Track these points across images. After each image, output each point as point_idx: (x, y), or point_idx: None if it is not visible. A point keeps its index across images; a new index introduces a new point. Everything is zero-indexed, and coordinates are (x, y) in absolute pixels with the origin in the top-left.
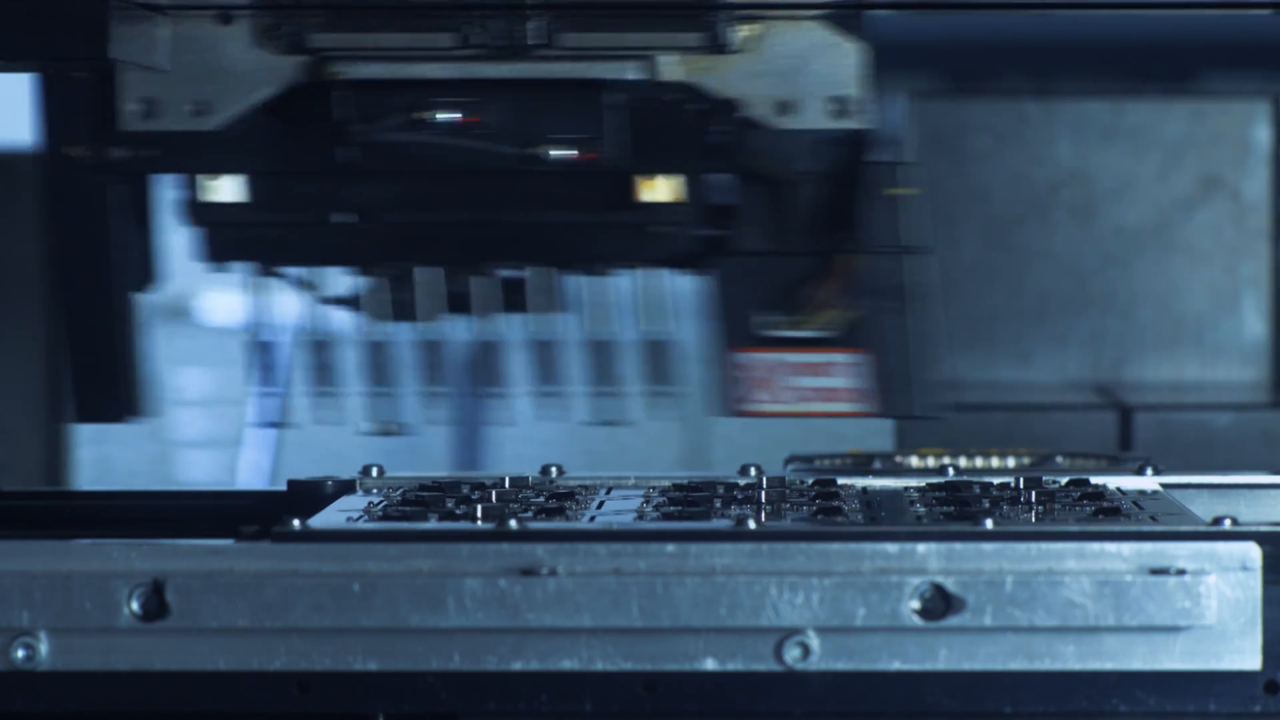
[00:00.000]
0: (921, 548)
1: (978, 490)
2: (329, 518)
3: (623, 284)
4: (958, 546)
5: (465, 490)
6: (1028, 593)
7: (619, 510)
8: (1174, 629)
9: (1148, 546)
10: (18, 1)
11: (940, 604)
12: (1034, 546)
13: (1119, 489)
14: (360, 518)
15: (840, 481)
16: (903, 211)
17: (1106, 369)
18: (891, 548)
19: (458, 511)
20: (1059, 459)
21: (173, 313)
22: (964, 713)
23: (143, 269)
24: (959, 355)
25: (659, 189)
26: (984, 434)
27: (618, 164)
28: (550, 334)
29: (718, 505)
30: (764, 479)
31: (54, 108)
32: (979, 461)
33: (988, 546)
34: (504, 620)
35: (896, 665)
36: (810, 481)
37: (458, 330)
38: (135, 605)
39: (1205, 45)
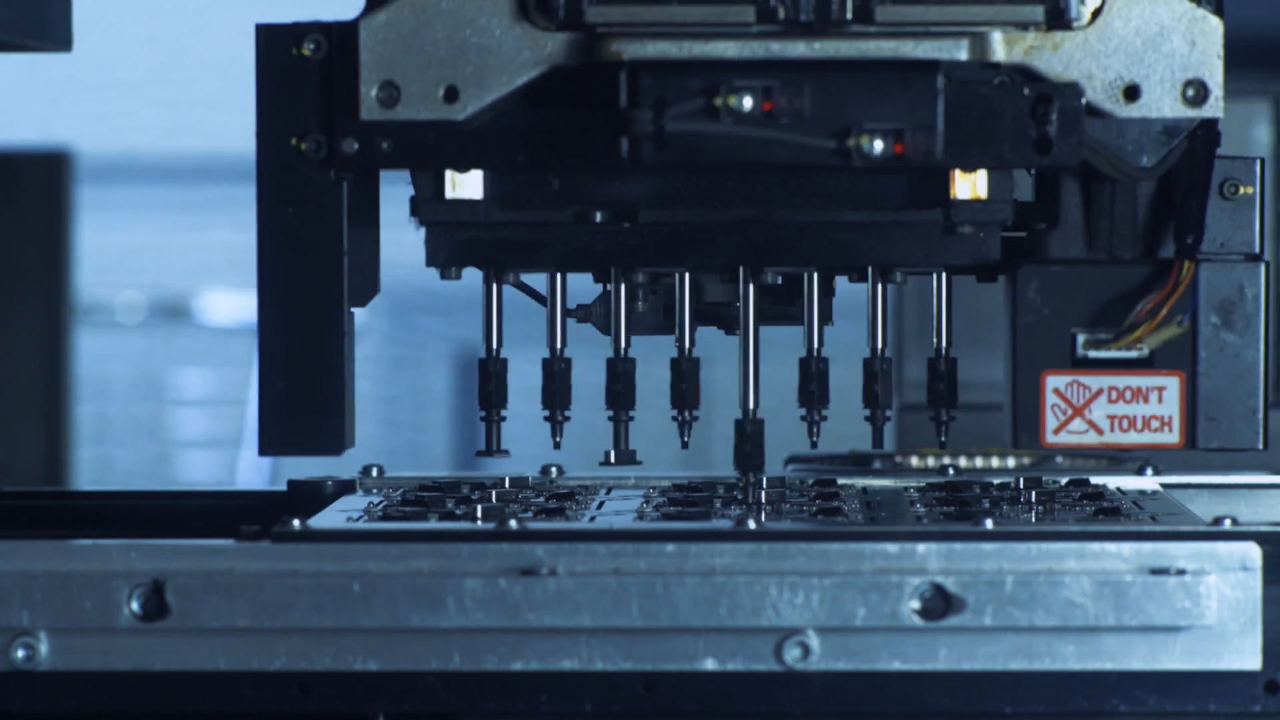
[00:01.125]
0: (921, 548)
1: (978, 490)
2: (329, 518)
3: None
4: (958, 546)
5: (465, 490)
6: (1028, 593)
7: (619, 510)
8: (1174, 629)
9: (1148, 546)
10: None
11: (940, 604)
12: (1034, 546)
13: (1119, 489)
14: (360, 518)
15: (840, 481)
16: (1247, 214)
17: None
18: (891, 548)
19: (458, 511)
20: (1059, 459)
21: (173, 313)
22: (964, 713)
23: (369, 279)
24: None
25: (973, 184)
26: (984, 434)
27: (941, 158)
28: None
29: (718, 505)
30: (764, 479)
31: (276, 94)
32: (979, 462)
33: (988, 546)
34: (504, 620)
35: (896, 665)
36: (810, 481)
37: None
38: (135, 605)
39: None
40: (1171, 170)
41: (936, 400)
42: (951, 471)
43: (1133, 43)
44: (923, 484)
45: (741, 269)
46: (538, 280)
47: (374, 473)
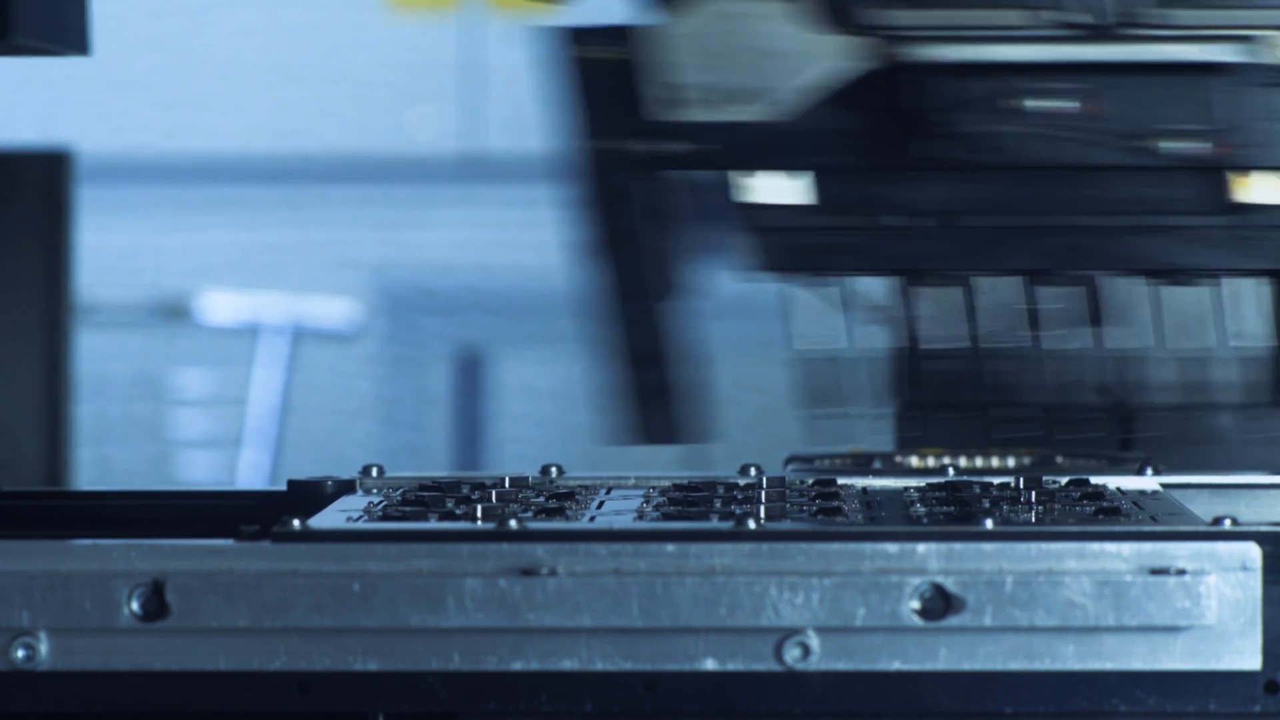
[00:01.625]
0: (921, 548)
1: (978, 490)
2: (329, 518)
3: (1209, 294)
4: (958, 546)
5: (465, 490)
6: (1028, 593)
7: (619, 510)
8: (1174, 629)
9: (1148, 546)
10: None
11: (940, 604)
12: (1034, 546)
13: (1119, 489)
14: (360, 518)
15: (840, 481)
16: None
17: (1107, 368)
18: (891, 548)
19: (458, 511)
20: (1059, 459)
21: (172, 313)
22: (964, 713)
23: (671, 274)
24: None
25: (1260, 187)
26: (984, 433)
27: (1240, 159)
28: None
29: (718, 505)
30: (764, 479)
31: (591, 99)
32: (979, 461)
33: (988, 546)
34: (504, 620)
35: (896, 665)
36: (810, 481)
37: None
38: (135, 605)
39: None
40: None
41: None
42: (951, 471)
43: None
44: (923, 484)
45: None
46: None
47: (374, 472)
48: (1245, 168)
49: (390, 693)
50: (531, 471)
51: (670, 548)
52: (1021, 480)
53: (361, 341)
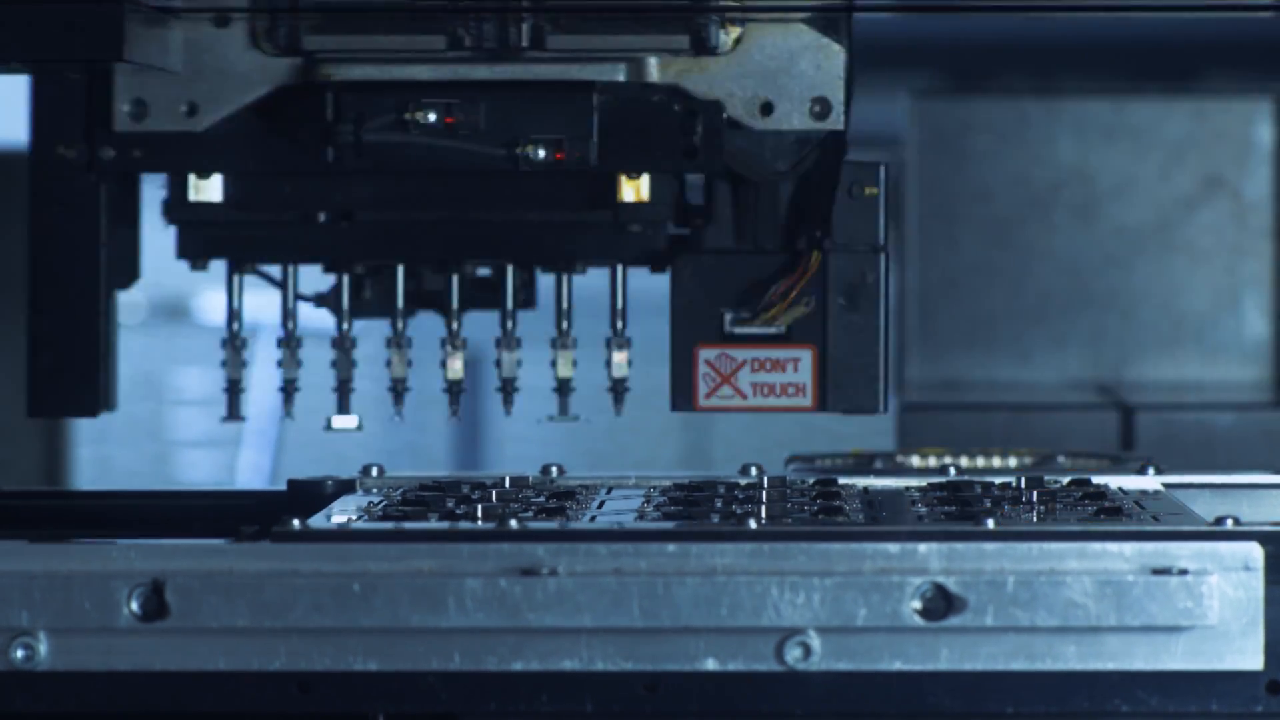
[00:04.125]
0: (923, 548)
1: (979, 490)
2: (329, 518)
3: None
4: (959, 546)
5: (465, 490)
6: (1029, 593)
7: (619, 510)
8: (1176, 629)
9: (1149, 546)
10: (34, 3)
11: (942, 604)
12: (1036, 546)
13: (1120, 489)
14: (360, 517)
15: (841, 481)
16: (871, 211)
17: (1108, 368)
18: (893, 548)
19: (458, 511)
20: (1060, 459)
21: (172, 313)
22: (965, 713)
23: (129, 266)
24: (959, 355)
25: (637, 188)
26: (985, 434)
27: (597, 164)
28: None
29: (718, 505)
30: (765, 479)
31: (45, 108)
32: (980, 461)
33: (989, 546)
34: (504, 620)
35: (898, 665)
36: (811, 481)
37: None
38: (135, 605)
39: (1207, 44)
40: (805, 174)
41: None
42: (953, 471)
43: (767, 66)
44: (924, 484)
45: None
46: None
47: (374, 472)
48: (606, 170)
49: (390, 693)
50: (532, 471)
51: (671, 548)
52: (1023, 480)
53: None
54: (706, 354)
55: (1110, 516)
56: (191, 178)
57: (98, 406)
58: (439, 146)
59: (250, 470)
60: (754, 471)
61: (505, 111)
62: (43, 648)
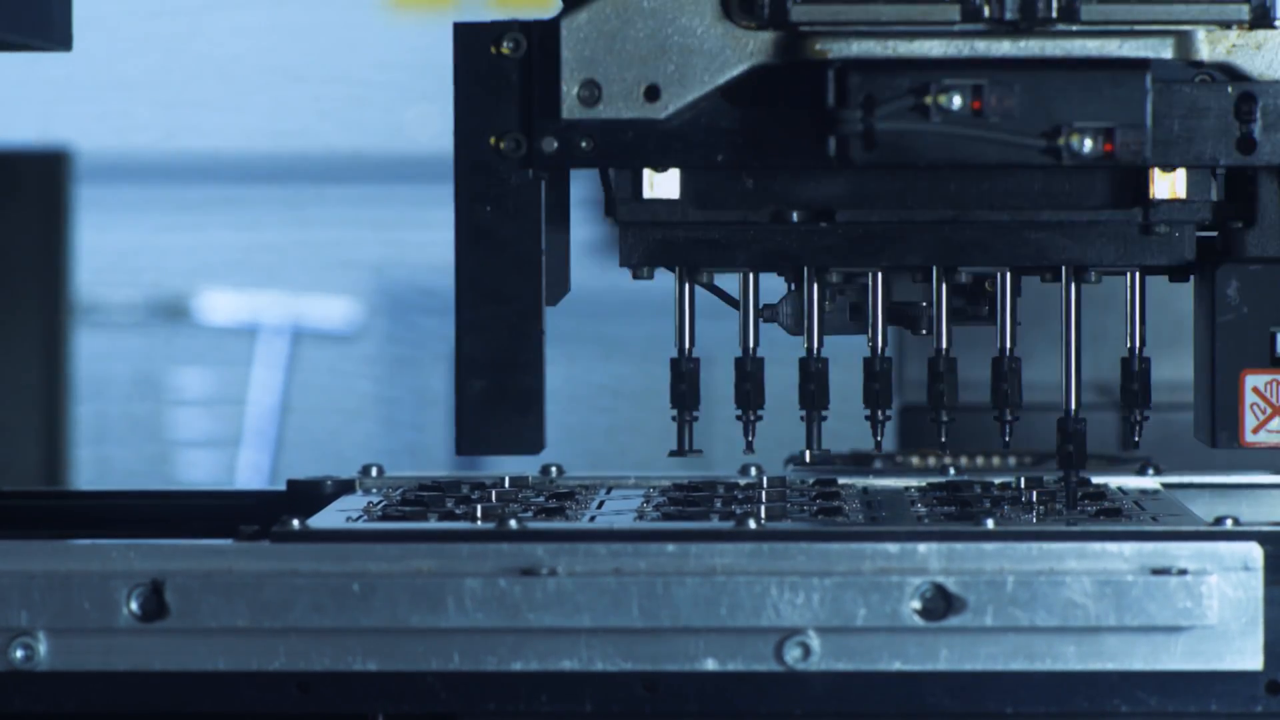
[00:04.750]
0: (922, 548)
1: (978, 490)
2: (328, 517)
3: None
4: (959, 546)
5: (465, 490)
6: (1029, 593)
7: (619, 510)
8: (1175, 629)
9: (1149, 546)
10: None
11: (941, 604)
12: (1035, 546)
13: (1120, 489)
14: (360, 517)
15: (841, 481)
16: None
17: (1107, 369)
18: (892, 548)
19: (457, 511)
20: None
21: (172, 313)
22: (965, 713)
23: (562, 278)
24: (959, 355)
25: (1172, 184)
26: (985, 434)
27: (1149, 158)
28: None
29: (718, 505)
30: (764, 479)
31: (473, 91)
32: (980, 461)
33: (989, 546)
34: (504, 620)
35: (897, 665)
36: (811, 481)
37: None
38: (134, 605)
39: None
40: None
41: (1130, 401)
42: (952, 471)
43: None
44: (923, 484)
45: (935, 268)
46: (728, 282)
47: (373, 472)
48: (1155, 164)
49: (390, 693)
50: (532, 471)
51: (670, 548)
52: (1022, 480)
53: (361, 342)
54: (1255, 380)
55: (1110, 517)
56: (646, 172)
57: (540, 442)
58: (965, 137)
59: (250, 470)
60: (753, 472)
61: (1042, 95)
62: (42, 648)
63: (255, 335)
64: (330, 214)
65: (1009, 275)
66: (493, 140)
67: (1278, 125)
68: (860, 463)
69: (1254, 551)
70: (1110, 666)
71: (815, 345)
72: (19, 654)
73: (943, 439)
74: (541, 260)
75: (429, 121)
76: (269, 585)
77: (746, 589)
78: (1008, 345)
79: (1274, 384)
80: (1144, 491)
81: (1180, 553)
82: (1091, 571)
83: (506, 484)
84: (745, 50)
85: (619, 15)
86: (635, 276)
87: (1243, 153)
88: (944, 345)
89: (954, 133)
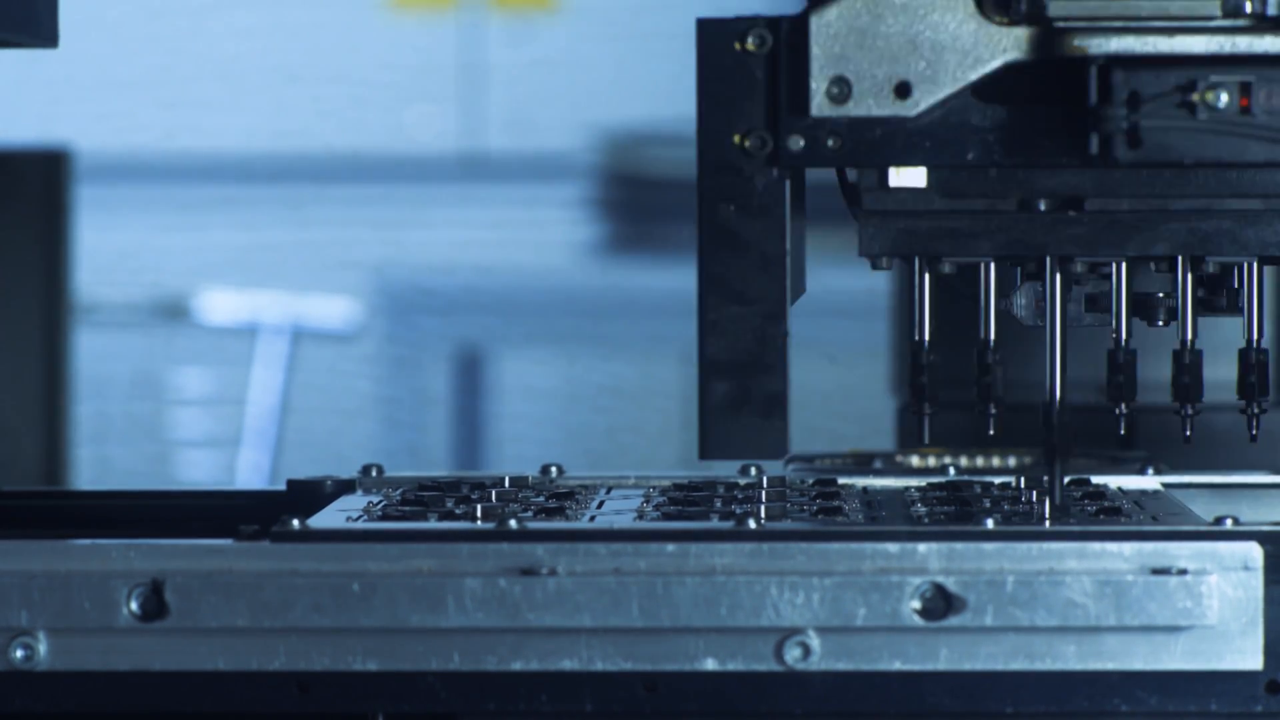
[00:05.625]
0: (922, 547)
1: (978, 490)
2: (328, 517)
3: None
4: (958, 546)
5: (465, 490)
6: (1029, 593)
7: (619, 510)
8: (1175, 629)
9: (1149, 546)
10: None
11: (941, 604)
12: (1035, 546)
13: (1120, 489)
14: (360, 517)
15: (841, 481)
16: None
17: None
18: (892, 547)
19: (457, 511)
20: None
21: (173, 313)
22: (965, 712)
23: (800, 277)
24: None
25: None
26: (985, 434)
27: None
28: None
29: (718, 505)
30: (764, 479)
31: (718, 88)
32: (980, 461)
33: (988, 546)
34: (504, 620)
35: (897, 665)
36: (811, 481)
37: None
38: (134, 605)
39: None
40: None
41: (1248, 393)
42: (952, 471)
43: None
44: (923, 484)
45: (1180, 258)
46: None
47: (373, 472)
48: None
49: (390, 693)
50: (531, 471)
51: (670, 547)
52: (1022, 480)
53: (361, 341)
54: None
55: (1110, 516)
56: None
57: (785, 447)
58: (1232, 135)
59: (250, 470)
60: (753, 472)
61: None
62: (42, 647)
63: (255, 335)
64: (330, 214)
65: (1255, 265)
66: (737, 139)
67: None
68: (860, 462)
69: (1254, 551)
70: (1110, 666)
71: (1057, 337)
72: (19, 654)
73: (1253, 433)
74: (786, 261)
75: (429, 121)
76: (269, 585)
77: (746, 589)
78: (1253, 337)
79: None
80: (1144, 491)
81: (1180, 552)
82: (1091, 571)
83: (506, 484)
84: (998, 46)
85: (870, 11)
86: (874, 267)
87: None
88: (1189, 337)
89: (1222, 130)
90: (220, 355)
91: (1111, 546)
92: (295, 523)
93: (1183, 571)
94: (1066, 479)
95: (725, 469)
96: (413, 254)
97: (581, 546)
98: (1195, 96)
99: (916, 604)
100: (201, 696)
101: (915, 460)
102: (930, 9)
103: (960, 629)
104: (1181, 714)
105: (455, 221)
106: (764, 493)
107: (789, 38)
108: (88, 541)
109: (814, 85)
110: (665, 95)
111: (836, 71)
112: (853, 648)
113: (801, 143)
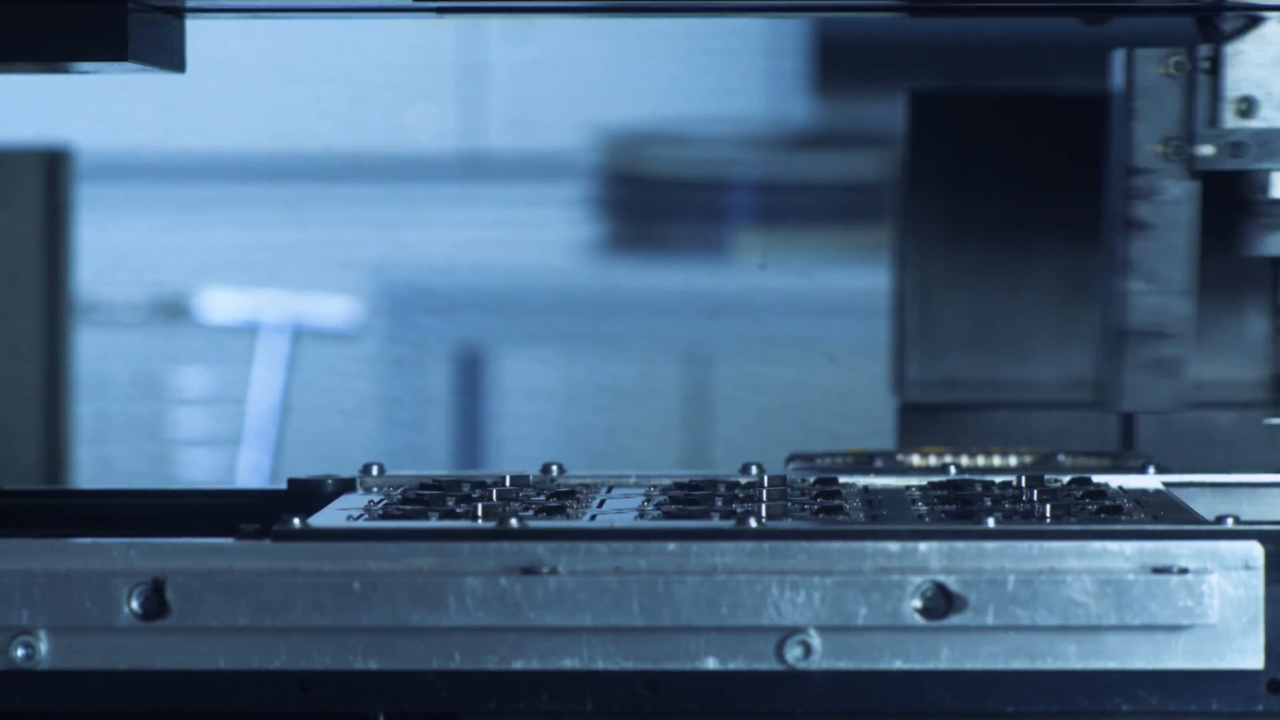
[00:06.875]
0: (923, 546)
1: (979, 489)
2: (329, 516)
3: None
4: (959, 545)
5: (466, 489)
6: (1030, 592)
7: (620, 509)
8: (1176, 628)
9: (1150, 545)
10: (39, 2)
11: (942, 603)
12: (1036, 545)
13: (1121, 488)
14: (361, 516)
15: (842, 480)
16: None
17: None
18: (893, 546)
19: (458, 510)
20: (1061, 457)
21: (172, 312)
22: (966, 712)
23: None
24: (959, 354)
25: None
26: (985, 432)
27: None
28: None
29: (719, 504)
30: (765, 478)
31: (1140, 106)
32: (980, 460)
33: (989, 545)
34: (505, 619)
35: (898, 664)
36: (812, 480)
37: None
38: (135, 604)
39: None
40: None
41: None
42: (953, 470)
43: None
44: (924, 482)
45: None
46: None
47: (374, 471)
48: None
49: (390, 692)
50: (532, 470)
51: (671, 546)
52: (1023, 479)
53: (362, 341)
54: None
55: (1110, 515)
56: (1275, 175)
57: (1181, 401)
58: None
59: (250, 469)
60: (754, 471)
61: None
62: (43, 647)
63: (255, 335)
64: (330, 214)
65: None
66: (1152, 145)
67: None
68: (861, 461)
69: (1255, 550)
70: (1111, 665)
71: None
72: (19, 653)
73: None
74: (1190, 251)
75: (429, 121)
76: (270, 584)
77: (747, 588)
78: None
79: None
80: (1145, 490)
81: (1181, 551)
82: (1092, 570)
83: (507, 483)
84: None
85: (1277, 43)
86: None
87: None
88: None
89: None
90: (220, 355)
91: (1112, 545)
92: (296, 522)
93: (1184, 570)
94: (1067, 478)
95: (726, 469)
96: (413, 254)
97: (582, 545)
98: None
99: (917, 603)
100: (202, 696)
101: (917, 459)
102: None
103: (961, 628)
104: (1182, 713)
105: (455, 221)
106: (765, 492)
107: (1205, 63)
108: (88, 541)
109: (1225, 101)
110: (665, 95)
111: (1244, 92)
112: (854, 647)
113: (1210, 150)
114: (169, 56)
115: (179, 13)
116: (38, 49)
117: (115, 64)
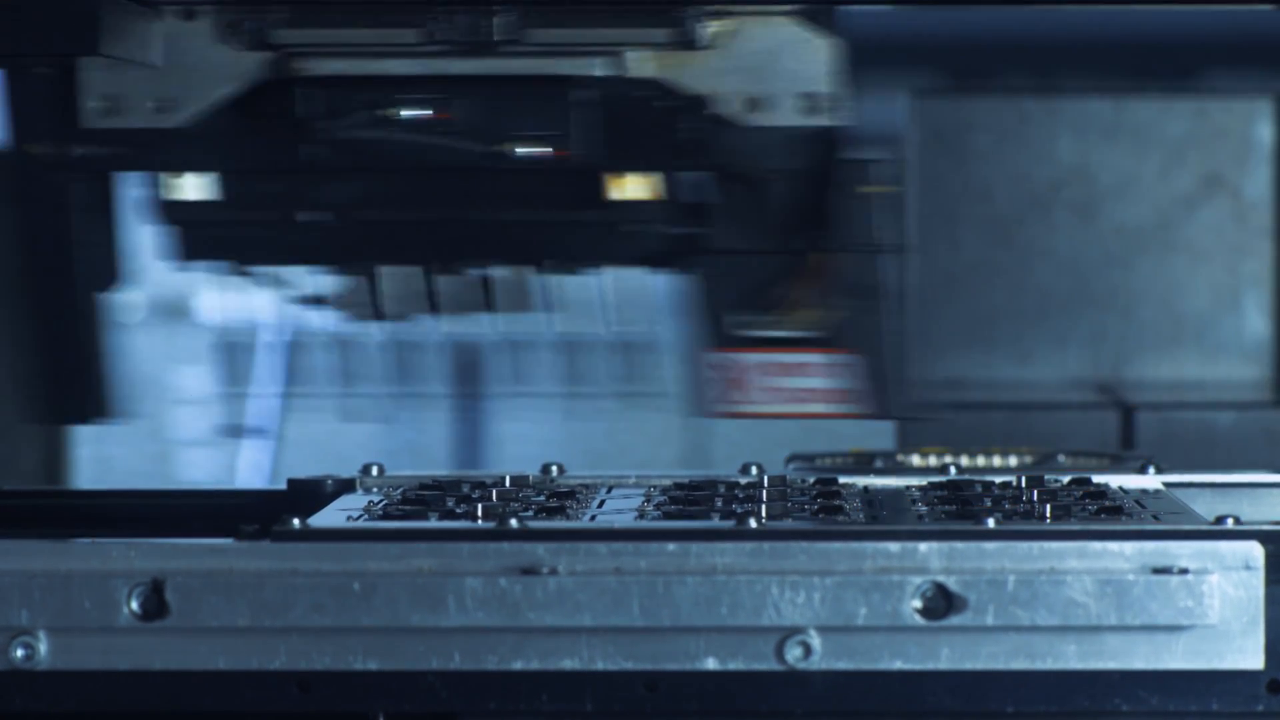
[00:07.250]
0: (923, 547)
1: (979, 489)
2: (329, 517)
3: (594, 283)
4: (959, 546)
5: (466, 489)
6: (1030, 592)
7: (620, 509)
8: (1176, 628)
9: (1150, 546)
10: None
11: (942, 603)
12: (1036, 546)
13: (1121, 488)
14: (360, 517)
15: (842, 480)
16: (877, 209)
17: (1108, 368)
18: (893, 547)
19: (458, 510)
20: (1061, 458)
21: (172, 312)
22: (966, 712)
23: (108, 268)
24: (960, 354)
25: (629, 187)
26: (985, 433)
27: (588, 161)
28: (523, 334)
29: (719, 504)
30: (765, 478)
31: (18, 104)
32: (981, 460)
33: (990, 546)
34: (505, 620)
35: (898, 665)
36: (812, 480)
37: (433, 330)
38: (135, 605)
39: (1207, 43)
40: (802, 171)
41: None
42: (953, 470)
43: (753, 61)
44: (924, 483)
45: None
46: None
47: (374, 472)
48: (593, 169)
49: (390, 692)
50: (532, 471)
51: (671, 547)
52: (1023, 479)
53: (361, 341)
54: (721, 359)
55: (1111, 516)
56: (162, 176)
57: (104, 412)
58: (417, 143)
59: (250, 470)
60: (754, 471)
61: (487, 107)
62: (43, 647)
63: (255, 334)
64: None
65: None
66: (28, 146)
67: (702, 134)
68: (861, 462)
69: (1255, 550)
70: (1111, 666)
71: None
72: (19, 653)
73: None
74: (71, 251)
75: None
76: (269, 584)
77: (747, 588)
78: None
79: (735, 361)
80: (1145, 490)
81: (1181, 552)
82: (1093, 570)
83: (507, 483)
84: (243, 69)
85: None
86: (181, 269)
87: (676, 159)
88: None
89: (406, 139)
90: (220, 355)
91: (1113, 546)
92: (296, 522)
93: (1184, 571)
94: (1067, 478)
95: (726, 469)
96: None
97: (582, 546)
98: (389, 111)
99: (917, 603)
100: (202, 696)
101: (917, 459)
102: (183, 35)
103: (961, 628)
104: (1182, 713)
105: None
106: (765, 492)
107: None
108: (88, 541)
109: (85, 102)
110: None
111: (108, 90)
112: (854, 647)
113: (80, 150)
114: (144, 51)
115: (152, 4)
116: (4, 42)
117: (87, 58)
